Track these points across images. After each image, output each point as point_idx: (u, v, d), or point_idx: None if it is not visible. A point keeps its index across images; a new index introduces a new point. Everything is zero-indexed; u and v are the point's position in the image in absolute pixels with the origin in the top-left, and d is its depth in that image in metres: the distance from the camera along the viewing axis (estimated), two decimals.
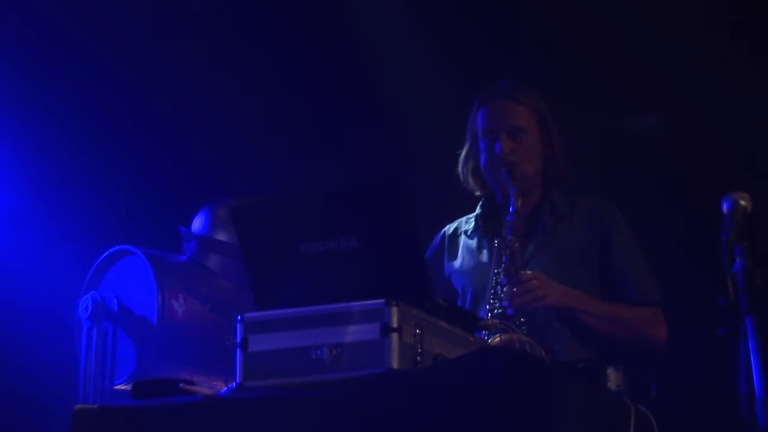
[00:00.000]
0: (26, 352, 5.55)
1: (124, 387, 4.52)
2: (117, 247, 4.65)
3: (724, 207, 3.02)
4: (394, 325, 2.87)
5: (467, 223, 4.27)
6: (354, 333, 2.90)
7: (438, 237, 4.30)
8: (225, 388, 3.09)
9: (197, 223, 4.91)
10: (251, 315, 3.03)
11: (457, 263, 4.20)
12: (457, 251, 4.22)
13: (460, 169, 4.25)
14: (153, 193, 5.87)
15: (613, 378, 3.30)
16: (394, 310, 2.88)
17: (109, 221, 5.69)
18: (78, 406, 3.14)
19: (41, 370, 5.45)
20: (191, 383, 3.19)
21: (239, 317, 3.03)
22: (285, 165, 6.01)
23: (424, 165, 5.46)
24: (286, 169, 5.99)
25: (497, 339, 3.53)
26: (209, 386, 3.79)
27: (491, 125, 4.12)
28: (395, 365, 2.85)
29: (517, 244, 3.94)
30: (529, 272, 3.86)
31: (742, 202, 3.01)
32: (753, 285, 2.86)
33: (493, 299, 3.86)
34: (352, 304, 2.92)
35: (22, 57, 5.78)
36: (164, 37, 5.83)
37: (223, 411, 2.97)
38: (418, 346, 2.92)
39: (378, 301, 2.89)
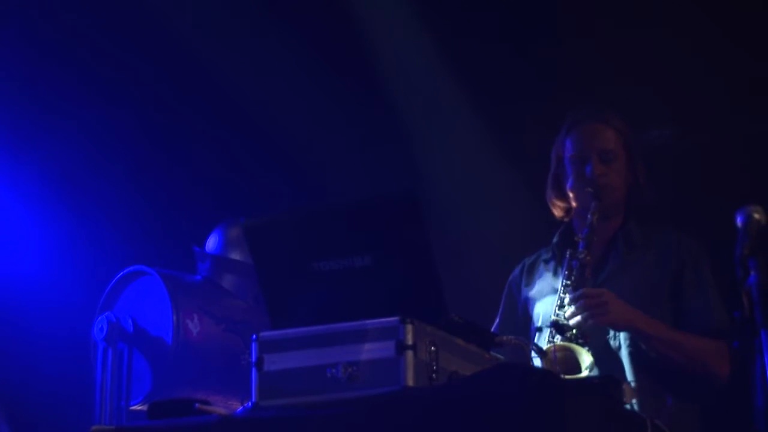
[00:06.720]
0: (42, 373, 5.56)
1: (139, 407, 4.52)
2: (132, 268, 4.67)
3: (738, 220, 3.01)
4: (409, 342, 2.86)
5: (547, 252, 4.25)
6: (369, 351, 2.89)
7: (518, 268, 4.29)
8: (241, 408, 3.09)
9: (211, 243, 4.92)
10: (266, 334, 3.03)
11: (533, 289, 4.18)
12: (535, 278, 4.21)
13: (546, 192, 4.23)
14: (167, 214, 5.89)
15: (628, 393, 3.28)
16: (409, 327, 2.87)
17: (123, 242, 5.70)
18: (94, 427, 3.15)
19: (57, 391, 5.46)
20: (207, 403, 3.20)
21: (254, 336, 3.03)
22: (298, 183, 6.02)
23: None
24: (300, 188, 6.01)
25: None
26: (225, 406, 3.79)
27: (582, 148, 4.08)
28: (411, 383, 2.84)
29: (588, 258, 3.91)
30: (595, 289, 3.83)
31: (756, 216, 3.00)
32: None
33: (559, 309, 3.85)
34: (367, 322, 2.92)
35: (36, 76, 5.81)
36: (182, 59, 5.85)
37: (239, 431, 2.97)
38: (434, 363, 2.92)
39: (393, 318, 2.88)
